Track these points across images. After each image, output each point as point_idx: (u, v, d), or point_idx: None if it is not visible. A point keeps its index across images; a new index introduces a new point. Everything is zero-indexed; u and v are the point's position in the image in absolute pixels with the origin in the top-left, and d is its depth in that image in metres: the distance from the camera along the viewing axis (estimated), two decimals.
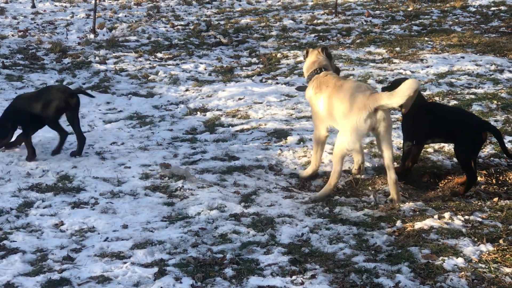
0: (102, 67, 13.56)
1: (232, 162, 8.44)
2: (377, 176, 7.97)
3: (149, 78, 12.88)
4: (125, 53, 14.67)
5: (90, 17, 17.93)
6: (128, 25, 17.36)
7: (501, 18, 17.46)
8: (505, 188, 7.68)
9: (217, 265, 5.82)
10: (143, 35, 16.31)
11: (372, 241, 6.22)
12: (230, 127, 9.88)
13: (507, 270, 5.56)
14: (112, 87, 12.31)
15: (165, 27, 17.30)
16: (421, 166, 8.18)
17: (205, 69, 13.48)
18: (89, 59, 14.04)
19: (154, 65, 13.74)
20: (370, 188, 7.76)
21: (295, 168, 8.30)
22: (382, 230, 6.46)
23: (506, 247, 5.90)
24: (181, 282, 5.53)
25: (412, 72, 12.10)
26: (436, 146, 8.62)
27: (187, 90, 12.14)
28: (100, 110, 11.07)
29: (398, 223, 6.53)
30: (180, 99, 11.59)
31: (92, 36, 16.19)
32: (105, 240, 6.37)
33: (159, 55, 14.64)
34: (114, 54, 14.52)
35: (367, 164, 8.22)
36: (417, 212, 6.85)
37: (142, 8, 19.92)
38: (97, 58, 14.12)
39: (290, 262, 5.84)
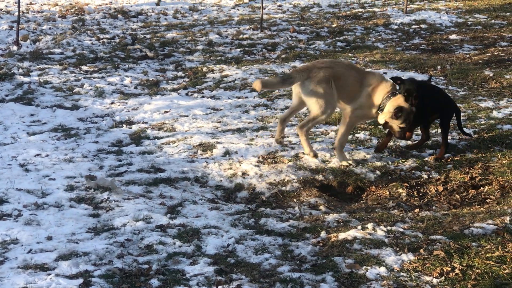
0: (26, 79, 13.38)
1: (158, 174, 8.45)
2: (302, 188, 8.07)
3: (74, 90, 12.75)
4: (50, 66, 14.50)
5: (13, 29, 17.67)
6: (52, 37, 17.17)
7: (422, 35, 17.86)
8: (426, 200, 7.88)
9: (143, 276, 5.82)
10: (68, 48, 16.15)
11: (297, 251, 6.30)
12: (156, 139, 9.87)
13: (427, 278, 5.70)
14: (36, 99, 12.15)
15: (90, 40, 17.17)
16: (344, 178, 8.32)
17: (131, 82, 13.42)
18: (12, 71, 13.83)
19: (79, 77, 13.62)
20: (295, 200, 7.87)
21: (221, 180, 8.35)
22: (307, 241, 6.54)
23: (426, 256, 6.05)
24: None
25: None
26: (360, 159, 8.77)
27: (112, 103, 12.07)
28: (23, 122, 10.92)
29: (323, 234, 6.63)
30: (105, 112, 11.52)
31: (15, 48, 15.94)
32: (28, 252, 6.30)
33: (84, 67, 14.52)
34: (38, 66, 14.34)
35: (293, 176, 8.31)
36: (341, 223, 6.97)
37: (67, 20, 19.73)
38: (20, 70, 13.93)
39: (216, 272, 5.87)
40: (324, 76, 8.56)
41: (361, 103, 8.69)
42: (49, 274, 5.82)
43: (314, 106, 8.63)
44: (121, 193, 7.72)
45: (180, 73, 14.24)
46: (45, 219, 7.06)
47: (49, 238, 6.59)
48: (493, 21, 19.31)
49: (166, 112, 11.26)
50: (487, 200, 7.69)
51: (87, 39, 17.20)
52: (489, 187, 7.96)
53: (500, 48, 15.90)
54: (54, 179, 8.19)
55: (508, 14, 20.23)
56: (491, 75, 12.97)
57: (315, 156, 8.75)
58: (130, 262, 6.06)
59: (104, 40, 17.16)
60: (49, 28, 18.51)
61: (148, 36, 17.74)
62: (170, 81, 13.67)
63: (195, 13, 21.64)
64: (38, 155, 9.14)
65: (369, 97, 8.64)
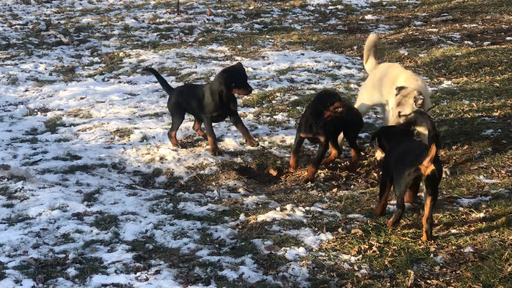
0: None
1: (74, 161, 8.30)
2: (220, 171, 8.04)
3: None
4: None
5: None
6: None
7: (338, 16, 18.00)
8: (344, 180, 7.92)
9: (59, 265, 5.72)
10: None
11: (216, 235, 6.28)
12: (72, 126, 9.69)
13: (345, 257, 5.75)
14: None
15: (2, 26, 16.76)
16: (263, 160, 8.32)
17: (46, 69, 13.15)
18: None
19: None
20: (214, 183, 7.84)
21: (139, 166, 8.26)
22: (226, 224, 6.52)
23: (344, 235, 6.10)
24: (21, 285, 5.40)
25: (254, 69, 12.28)
26: (278, 140, 8.78)
27: (26, 90, 11.80)
28: None
29: (242, 217, 6.62)
30: (19, 100, 11.25)
31: None
32: None
33: None
34: None
35: (211, 160, 8.27)
36: (260, 205, 6.97)
37: None
38: None
39: (134, 258, 5.81)
40: None
41: None
42: None
43: None
44: (36, 182, 7.56)
45: (96, 59, 14.04)
46: None
47: None
48: (407, 0, 19.57)
49: (82, 98, 11.07)
50: None
51: None
52: None
53: (414, 27, 16.13)
54: None
55: None
56: (406, 54, 13.15)
57: None
58: (46, 251, 5.94)
59: (17, 26, 16.77)
60: None
61: (62, 21, 17.41)
62: (86, 67, 13.45)
63: None
64: None
65: None
